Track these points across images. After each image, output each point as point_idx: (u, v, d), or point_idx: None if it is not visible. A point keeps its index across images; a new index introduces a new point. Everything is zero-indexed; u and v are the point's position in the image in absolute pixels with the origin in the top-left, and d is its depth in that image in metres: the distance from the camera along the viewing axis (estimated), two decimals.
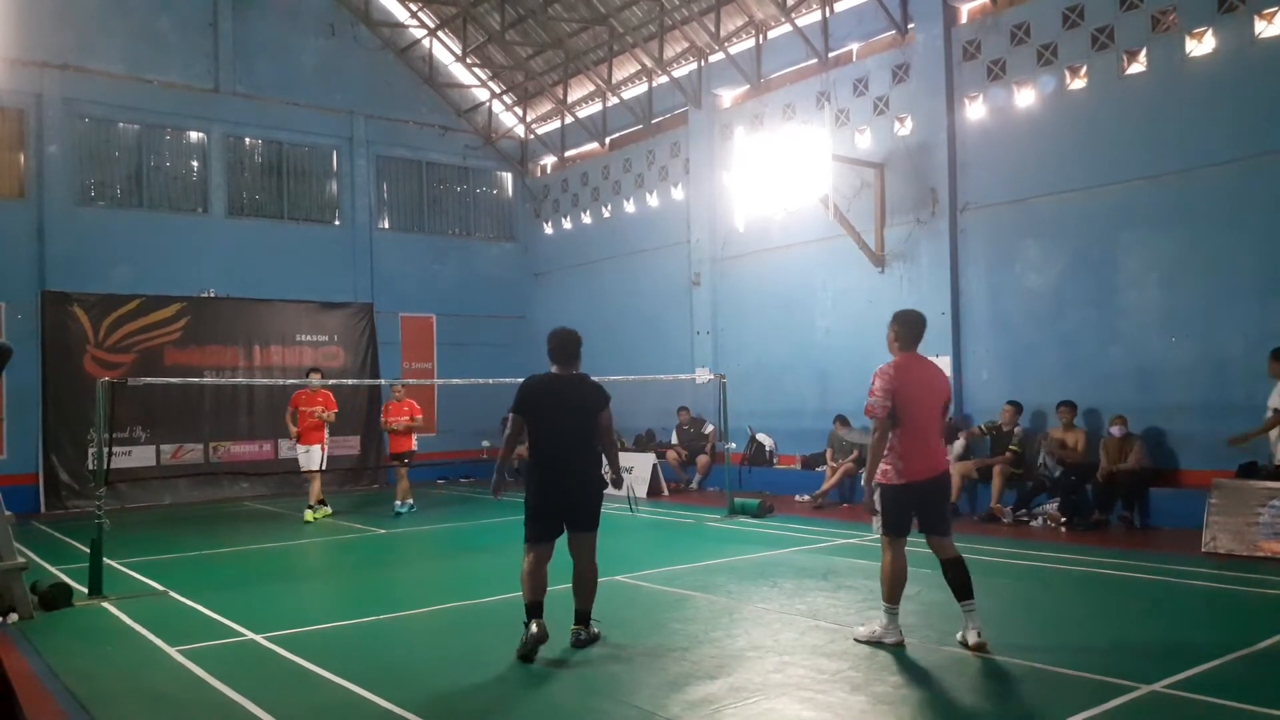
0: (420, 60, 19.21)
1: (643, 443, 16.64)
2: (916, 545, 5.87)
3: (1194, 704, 4.68)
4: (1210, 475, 9.22)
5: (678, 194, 16.94)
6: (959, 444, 11.67)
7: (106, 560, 8.17)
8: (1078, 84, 11.45)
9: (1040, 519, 10.64)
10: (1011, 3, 12.17)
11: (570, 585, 6.06)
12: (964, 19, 12.62)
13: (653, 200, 17.49)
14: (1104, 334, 11.16)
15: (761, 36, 15.24)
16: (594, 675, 5.43)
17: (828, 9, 14.03)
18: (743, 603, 7.10)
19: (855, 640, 5.86)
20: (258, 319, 17.00)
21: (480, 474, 17.16)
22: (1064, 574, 8.07)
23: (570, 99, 18.76)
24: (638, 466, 14.66)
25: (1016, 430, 11.33)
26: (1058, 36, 11.56)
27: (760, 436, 14.99)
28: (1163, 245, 10.68)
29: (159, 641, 6.37)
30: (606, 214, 18.50)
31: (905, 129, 13.18)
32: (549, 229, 20.06)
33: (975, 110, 12.45)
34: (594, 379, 6.27)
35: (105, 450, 8.26)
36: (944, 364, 12.35)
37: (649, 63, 16.79)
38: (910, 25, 13.09)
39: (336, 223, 18.40)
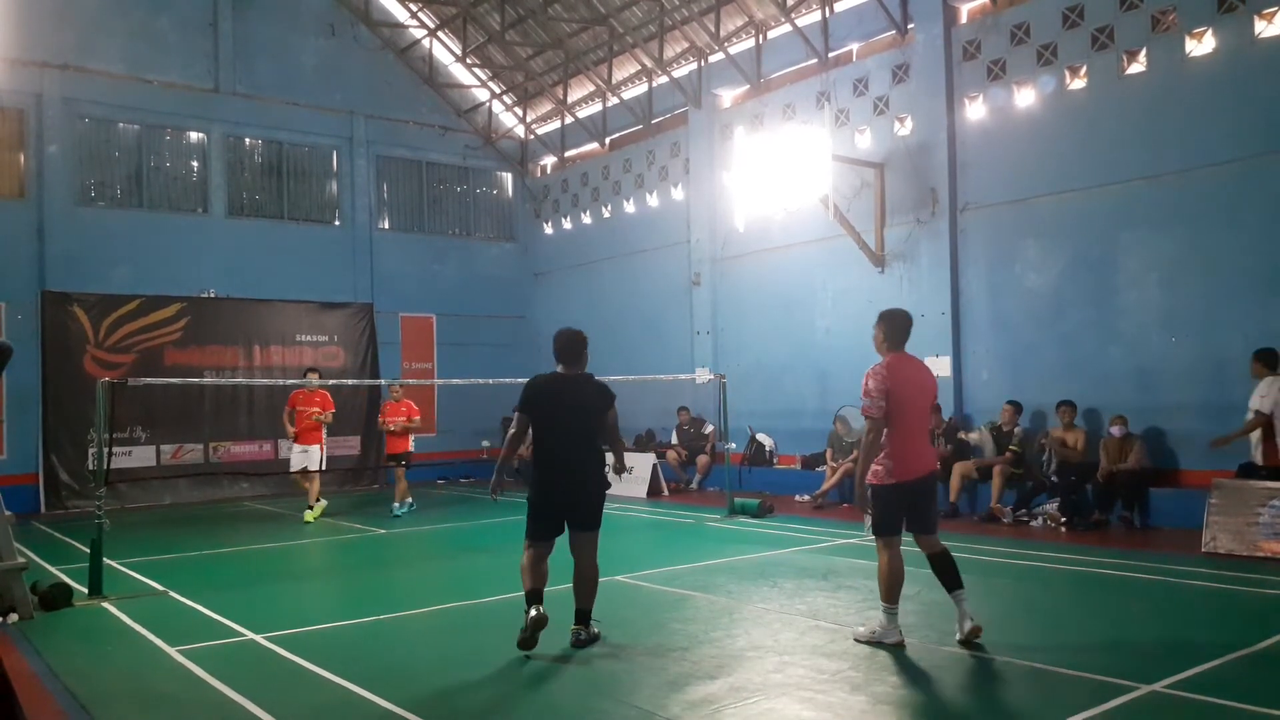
0: (420, 60, 19.21)
1: (643, 443, 16.63)
2: (914, 545, 5.88)
3: (1194, 704, 4.67)
4: (1210, 475, 9.22)
5: (678, 194, 16.94)
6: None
7: (106, 560, 8.17)
8: (1078, 84, 11.45)
9: (1040, 519, 10.63)
10: (1011, 3, 12.17)
11: (571, 585, 6.07)
12: (964, 19, 12.62)
13: (653, 200, 17.48)
14: (1104, 334, 11.16)
15: (761, 36, 15.24)
16: (594, 675, 5.43)
17: (828, 9, 14.03)
18: (743, 603, 7.11)
19: (855, 640, 5.86)
20: (258, 319, 17.01)
21: (480, 474, 17.12)
22: (1064, 574, 8.07)
23: (570, 99, 18.76)
24: (638, 466, 14.66)
25: (1016, 430, 11.34)
26: (1058, 36, 11.56)
27: (760, 436, 14.99)
28: (1163, 245, 10.69)
29: (159, 641, 6.37)
30: (606, 214, 18.50)
31: (905, 129, 13.18)
32: (549, 229, 20.06)
33: (975, 110, 12.45)
34: (599, 379, 6.29)
35: (105, 450, 8.25)
36: (944, 364, 12.38)
37: (649, 63, 16.79)
38: (910, 25, 13.09)
39: (336, 223, 18.39)
